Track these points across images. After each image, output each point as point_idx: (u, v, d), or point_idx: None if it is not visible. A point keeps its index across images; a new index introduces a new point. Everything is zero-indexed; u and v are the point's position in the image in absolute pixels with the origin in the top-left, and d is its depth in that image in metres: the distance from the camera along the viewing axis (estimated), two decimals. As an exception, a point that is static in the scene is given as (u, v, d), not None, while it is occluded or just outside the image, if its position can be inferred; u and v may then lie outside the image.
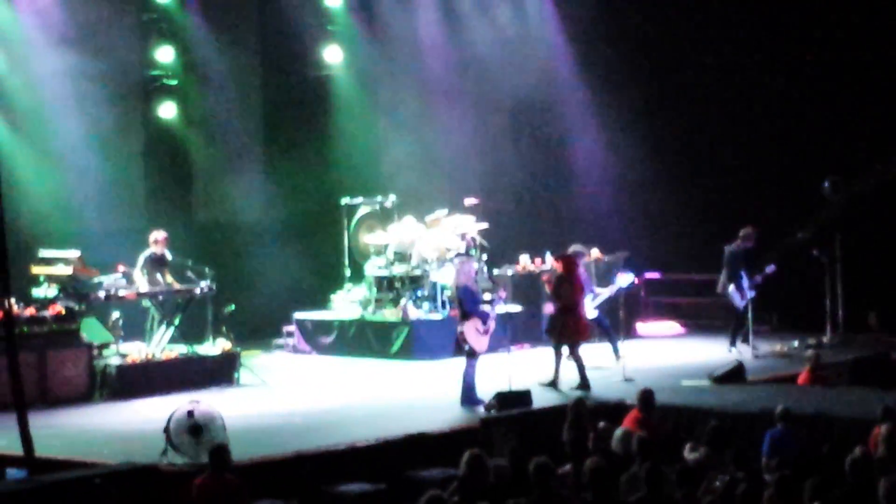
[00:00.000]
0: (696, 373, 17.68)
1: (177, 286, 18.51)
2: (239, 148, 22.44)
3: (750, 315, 19.45)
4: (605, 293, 19.17)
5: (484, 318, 16.35)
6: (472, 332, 16.19)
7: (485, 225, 21.23)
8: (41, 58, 19.83)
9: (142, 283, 18.25)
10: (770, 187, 22.62)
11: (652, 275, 22.91)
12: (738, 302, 19.70)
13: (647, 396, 14.23)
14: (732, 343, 19.75)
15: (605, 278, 20.11)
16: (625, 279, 18.91)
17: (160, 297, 18.43)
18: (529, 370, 17.75)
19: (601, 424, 13.58)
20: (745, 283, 19.63)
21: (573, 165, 24.11)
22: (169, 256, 18.62)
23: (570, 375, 17.03)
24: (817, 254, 20.57)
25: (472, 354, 16.21)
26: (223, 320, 18.70)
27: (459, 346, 16.34)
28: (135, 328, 18.48)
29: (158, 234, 18.56)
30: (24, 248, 18.47)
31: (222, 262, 20.19)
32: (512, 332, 18.07)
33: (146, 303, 18.38)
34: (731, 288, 19.76)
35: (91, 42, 20.24)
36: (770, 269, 19.75)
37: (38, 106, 19.96)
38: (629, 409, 14.41)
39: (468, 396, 16.12)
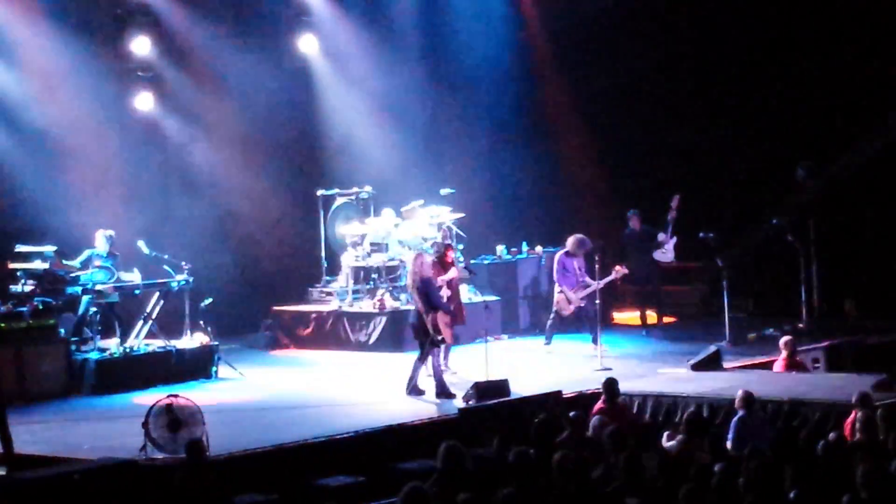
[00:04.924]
0: (673, 360, 17.76)
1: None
2: (216, 139, 22.34)
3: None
4: (596, 284, 19.15)
5: (448, 310, 16.45)
6: (443, 323, 16.26)
7: (461, 215, 21.22)
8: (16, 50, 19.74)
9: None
10: (744, 173, 22.69)
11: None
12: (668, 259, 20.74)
13: (610, 385, 14.33)
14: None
15: (582, 268, 20.12)
16: (618, 271, 19.11)
17: (136, 292, 18.41)
18: (507, 360, 17.82)
19: (572, 414, 13.63)
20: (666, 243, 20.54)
21: (548, 155, 24.10)
22: (146, 250, 18.55)
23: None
24: (792, 240, 20.63)
25: (438, 345, 16.26)
26: (201, 314, 18.68)
27: (424, 336, 16.31)
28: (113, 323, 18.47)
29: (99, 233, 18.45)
30: (0, 243, 18.40)
31: (200, 256, 20.14)
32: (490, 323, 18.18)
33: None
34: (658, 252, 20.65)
35: (69, 34, 20.12)
36: (675, 200, 20.24)
37: (15, 100, 19.85)
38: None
39: (442, 389, 16.19)
